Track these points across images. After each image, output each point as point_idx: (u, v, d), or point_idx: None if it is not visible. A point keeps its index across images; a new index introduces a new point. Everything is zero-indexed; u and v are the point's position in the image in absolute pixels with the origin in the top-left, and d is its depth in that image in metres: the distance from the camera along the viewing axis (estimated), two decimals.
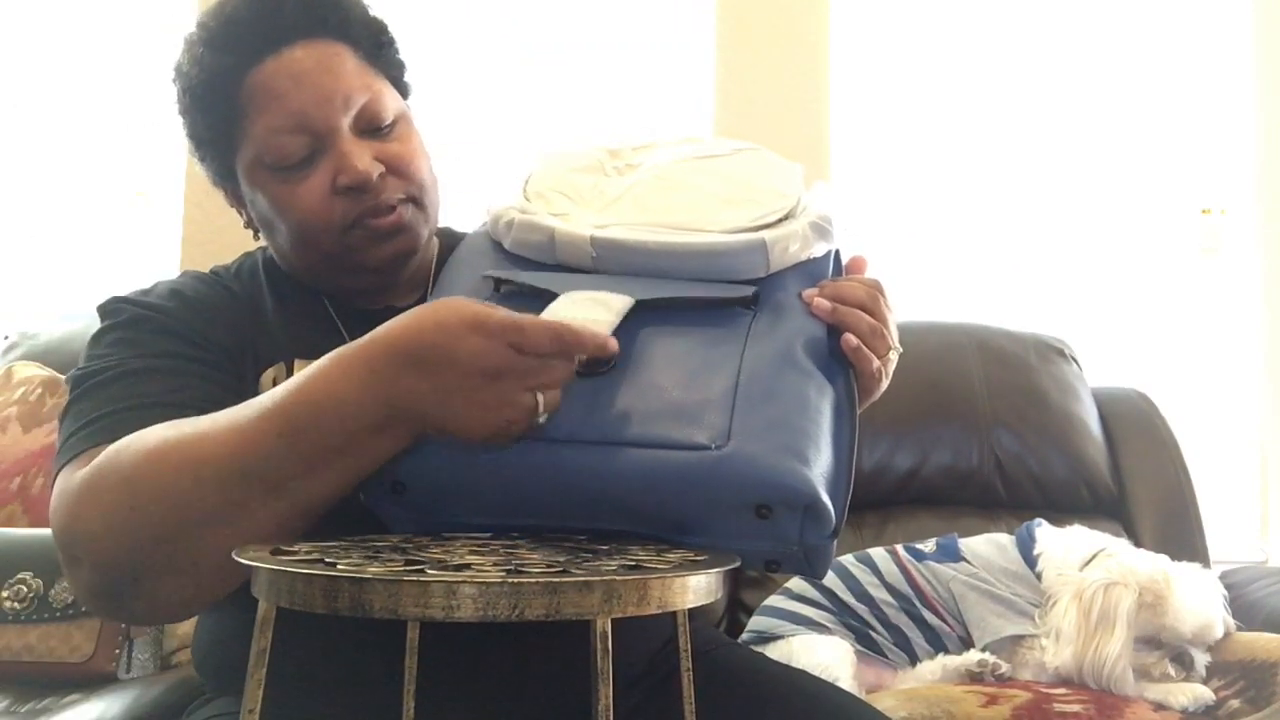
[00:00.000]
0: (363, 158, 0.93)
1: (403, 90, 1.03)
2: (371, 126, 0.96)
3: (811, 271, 0.85)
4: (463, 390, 0.69)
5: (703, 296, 0.80)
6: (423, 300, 0.94)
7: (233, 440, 0.73)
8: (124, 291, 0.99)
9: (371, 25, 1.00)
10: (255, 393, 0.90)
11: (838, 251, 0.90)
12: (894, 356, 0.86)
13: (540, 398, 0.70)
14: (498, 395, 0.69)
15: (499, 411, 0.69)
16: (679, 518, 0.73)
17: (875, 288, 0.85)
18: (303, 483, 0.72)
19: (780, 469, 0.71)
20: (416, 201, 0.97)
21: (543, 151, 0.98)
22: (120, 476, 0.75)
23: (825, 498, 0.72)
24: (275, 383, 0.89)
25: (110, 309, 0.96)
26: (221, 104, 0.95)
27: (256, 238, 1.04)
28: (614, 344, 0.73)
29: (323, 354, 0.94)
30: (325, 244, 0.95)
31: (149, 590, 0.76)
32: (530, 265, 0.87)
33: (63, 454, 0.83)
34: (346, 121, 0.94)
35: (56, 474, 0.82)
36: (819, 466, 0.74)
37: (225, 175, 1.00)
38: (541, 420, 0.70)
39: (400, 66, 1.03)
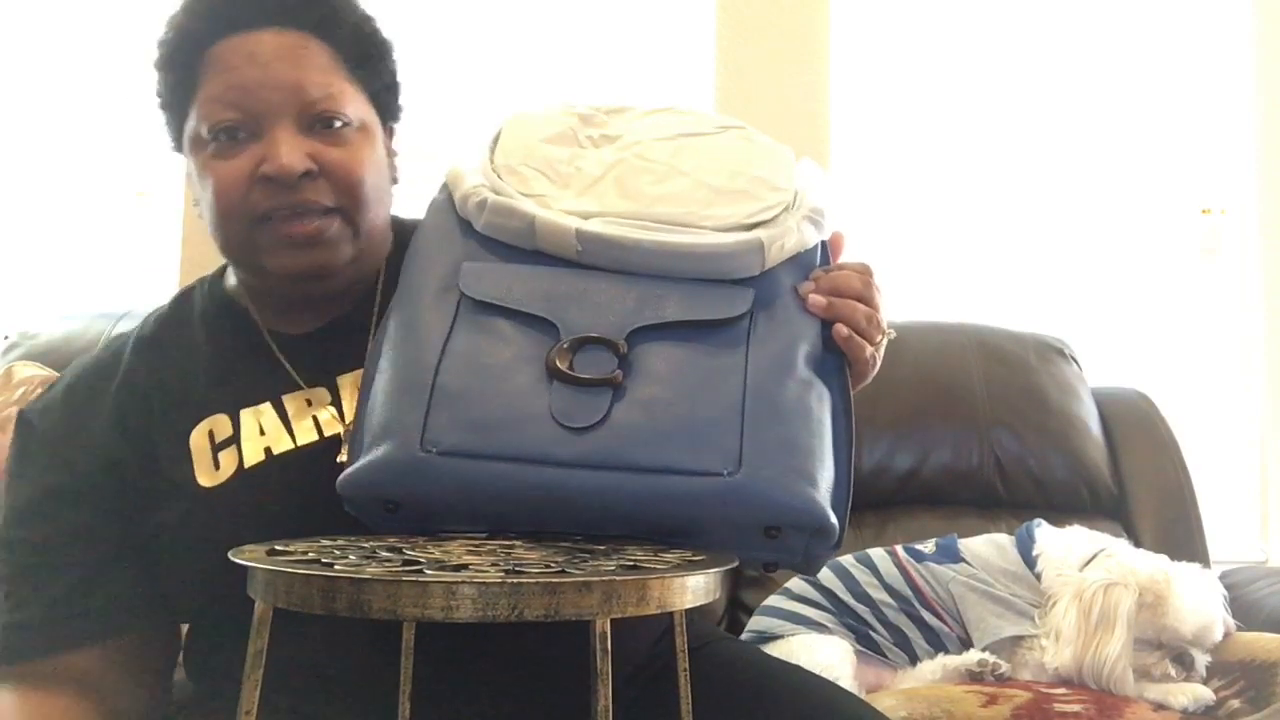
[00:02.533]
0: (291, 151, 0.88)
1: (383, 107, 0.98)
2: (319, 123, 0.91)
3: (803, 262, 0.84)
4: None
5: (701, 319, 0.78)
6: (365, 311, 0.92)
7: None
8: (29, 411, 0.99)
9: (362, 33, 0.95)
10: (184, 451, 0.91)
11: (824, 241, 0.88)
12: (885, 341, 0.86)
13: None
14: None
15: None
16: (685, 533, 0.73)
17: (867, 274, 0.85)
18: None
19: (792, 494, 0.71)
20: (345, 215, 0.91)
21: (509, 114, 0.92)
22: None
23: (833, 519, 0.72)
24: (210, 436, 0.91)
25: (16, 429, 0.97)
26: (180, 69, 0.93)
27: (200, 214, 0.99)
28: None
29: (266, 400, 0.93)
30: (234, 232, 0.91)
31: None
32: (505, 251, 0.83)
33: None
34: (291, 112, 0.89)
35: None
36: (825, 483, 0.74)
37: (178, 143, 0.98)
38: None
39: (385, 83, 0.98)
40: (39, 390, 1.81)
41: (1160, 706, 1.35)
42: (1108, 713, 1.30)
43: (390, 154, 1.00)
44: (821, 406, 0.77)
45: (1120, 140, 2.39)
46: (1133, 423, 1.96)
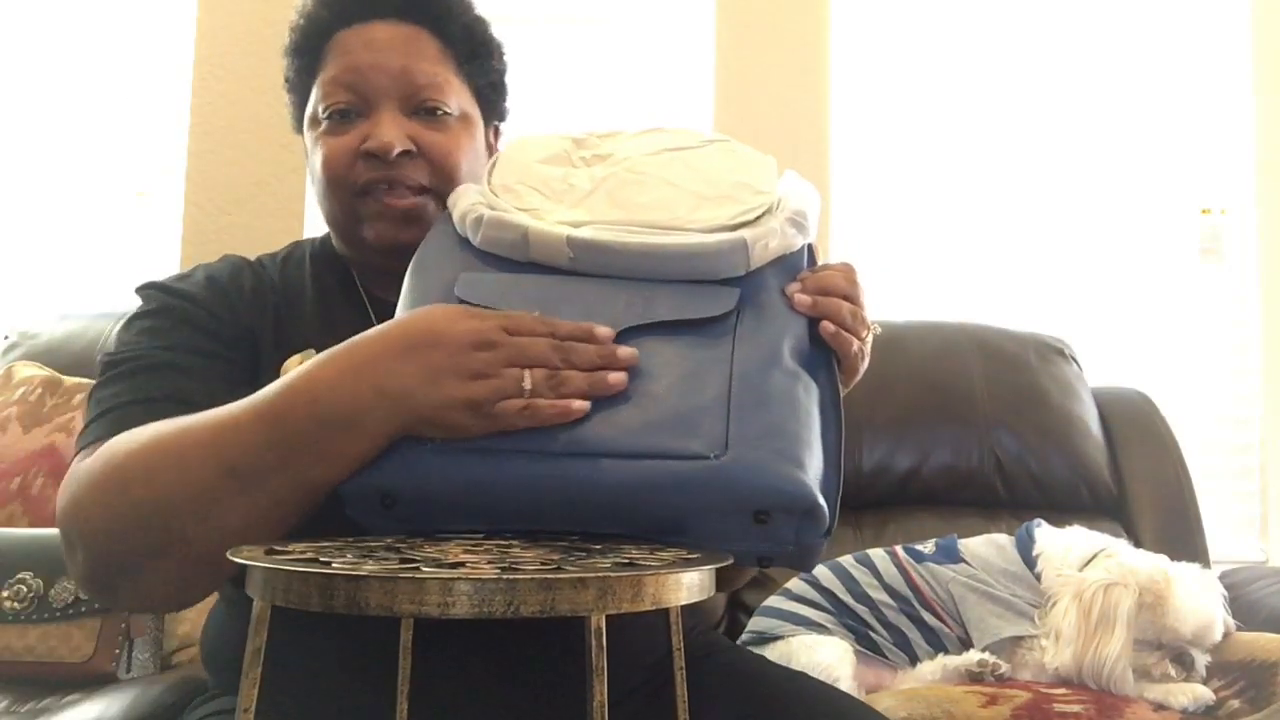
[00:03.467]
0: (392, 129, 0.96)
1: (488, 105, 1.06)
2: (422, 108, 0.99)
3: (789, 265, 0.86)
4: (451, 365, 0.72)
5: (688, 319, 0.80)
6: None
7: (216, 429, 0.76)
8: (158, 278, 1.01)
9: (473, 32, 1.04)
10: (274, 377, 0.92)
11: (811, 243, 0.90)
12: (870, 337, 0.88)
13: (528, 374, 0.72)
14: (485, 363, 0.72)
15: (486, 382, 0.71)
16: (676, 523, 0.73)
17: (851, 273, 0.86)
18: (275, 478, 0.74)
19: (779, 476, 0.72)
20: (439, 196, 0.98)
21: (509, 140, 0.97)
22: (115, 465, 0.78)
23: (822, 501, 0.73)
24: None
25: (145, 294, 0.99)
26: (307, 53, 1.02)
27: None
28: (604, 331, 0.76)
29: None
30: (337, 202, 0.99)
31: (136, 579, 0.80)
32: (501, 263, 0.86)
33: (79, 442, 0.87)
34: (397, 95, 0.98)
35: (74, 457, 0.85)
36: (813, 469, 0.74)
37: (298, 123, 1.05)
38: (527, 387, 0.71)
39: (491, 81, 1.06)
40: (39, 390, 1.82)
41: (1160, 706, 1.35)
42: (1108, 713, 1.31)
43: (491, 150, 1.07)
44: (809, 397, 0.79)
45: (1120, 140, 2.39)
46: (1133, 423, 1.96)
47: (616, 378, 0.75)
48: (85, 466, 0.81)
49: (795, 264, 0.87)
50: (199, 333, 0.94)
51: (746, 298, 0.82)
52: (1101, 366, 2.11)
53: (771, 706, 0.90)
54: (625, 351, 0.76)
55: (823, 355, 0.83)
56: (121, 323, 0.98)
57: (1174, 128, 2.39)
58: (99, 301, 2.09)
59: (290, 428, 0.74)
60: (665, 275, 0.82)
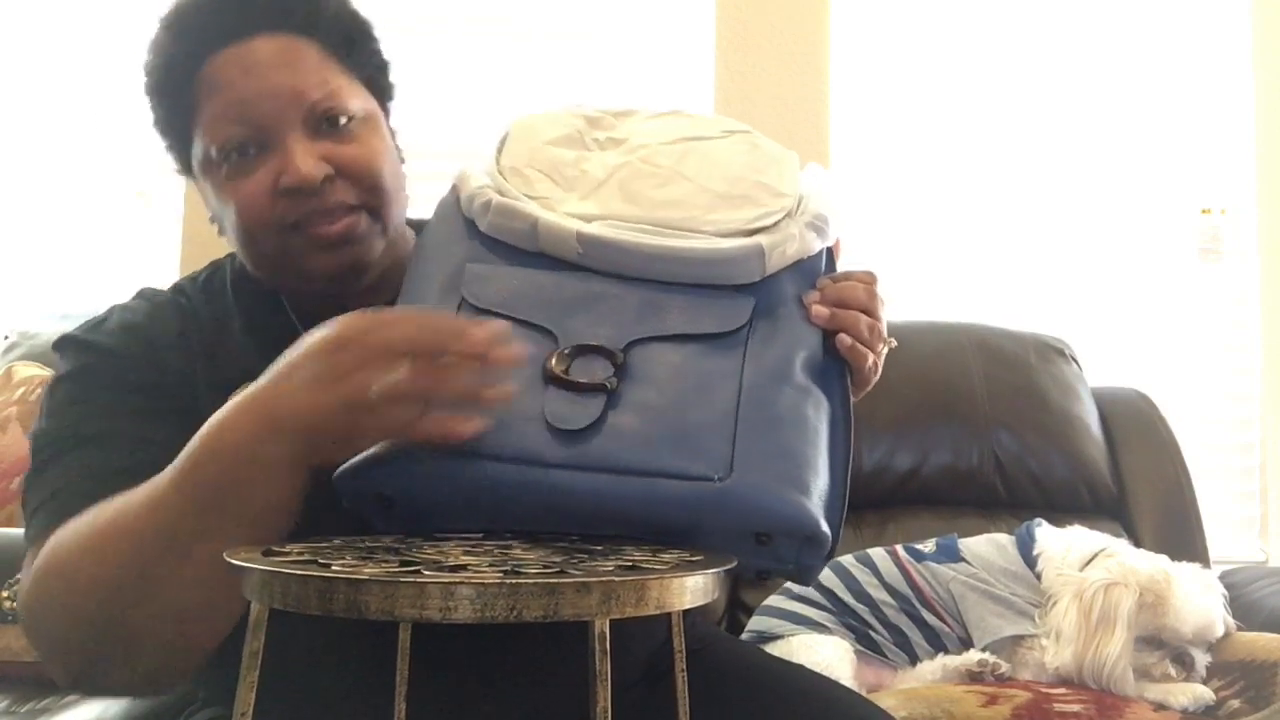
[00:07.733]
0: (307, 159, 0.88)
1: (379, 90, 0.98)
2: (325, 124, 0.90)
3: (806, 270, 0.83)
4: (314, 372, 0.70)
5: (698, 333, 0.78)
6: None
7: (143, 505, 0.74)
8: (83, 321, 0.97)
9: (344, 20, 0.95)
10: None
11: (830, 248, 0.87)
12: (885, 350, 0.86)
13: (375, 381, 0.68)
14: (340, 365, 0.69)
15: (348, 380, 0.68)
16: (676, 536, 0.72)
17: (872, 284, 0.84)
18: (202, 542, 0.71)
19: (782, 501, 0.71)
20: (371, 210, 0.91)
21: (516, 117, 0.91)
22: (59, 568, 0.77)
23: (825, 527, 0.72)
24: None
25: (64, 351, 0.94)
26: (175, 93, 0.92)
27: (221, 233, 0.99)
28: (477, 334, 0.70)
29: None
30: (265, 244, 0.91)
31: (107, 674, 0.79)
32: (509, 252, 0.83)
33: (27, 536, 0.84)
34: (297, 118, 0.89)
35: (25, 557, 0.83)
36: (818, 492, 0.73)
37: (186, 166, 0.97)
38: (372, 398, 0.68)
39: (376, 66, 0.98)
40: (39, 390, 1.81)
41: (1160, 706, 1.35)
42: (1108, 713, 1.30)
43: (393, 134, 1.00)
44: (818, 415, 0.77)
45: (1120, 140, 2.39)
46: (1133, 423, 1.96)
47: (501, 392, 0.70)
48: (34, 571, 0.79)
49: (813, 268, 0.84)
50: (122, 390, 0.89)
51: (761, 305, 0.79)
52: (1101, 366, 2.11)
53: (768, 697, 0.89)
54: (505, 351, 0.70)
55: (835, 368, 0.81)
56: (46, 388, 0.94)
57: (1174, 128, 2.39)
58: (99, 301, 2.08)
59: (202, 482, 0.72)
60: (677, 278, 0.80)
